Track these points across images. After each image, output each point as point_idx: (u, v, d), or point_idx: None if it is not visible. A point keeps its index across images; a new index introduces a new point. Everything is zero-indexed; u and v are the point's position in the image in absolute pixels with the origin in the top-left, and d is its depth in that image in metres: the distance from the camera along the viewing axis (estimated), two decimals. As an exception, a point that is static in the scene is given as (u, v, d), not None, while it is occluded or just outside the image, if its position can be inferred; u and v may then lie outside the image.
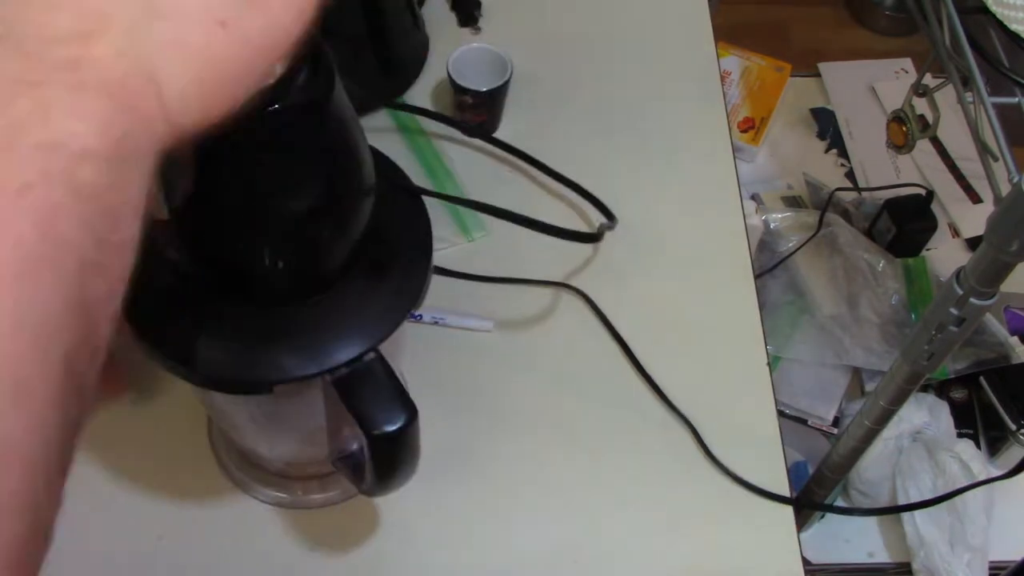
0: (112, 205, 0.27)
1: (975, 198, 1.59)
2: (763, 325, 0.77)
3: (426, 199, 0.54)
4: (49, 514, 0.26)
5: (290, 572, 0.64)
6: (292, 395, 0.52)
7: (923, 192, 1.46)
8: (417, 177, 0.57)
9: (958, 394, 1.41)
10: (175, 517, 0.65)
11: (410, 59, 0.90)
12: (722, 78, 0.93)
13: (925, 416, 1.30)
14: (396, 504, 0.66)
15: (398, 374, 0.50)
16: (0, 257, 0.24)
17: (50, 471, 0.25)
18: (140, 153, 0.29)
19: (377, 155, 0.49)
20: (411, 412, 0.47)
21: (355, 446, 0.58)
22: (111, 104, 0.28)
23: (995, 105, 0.67)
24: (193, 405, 0.69)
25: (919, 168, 1.62)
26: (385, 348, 0.48)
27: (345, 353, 0.46)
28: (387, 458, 0.50)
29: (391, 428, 0.47)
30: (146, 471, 0.67)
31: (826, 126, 1.69)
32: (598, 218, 0.81)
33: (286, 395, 0.52)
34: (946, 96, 0.80)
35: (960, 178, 1.61)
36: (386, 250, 0.49)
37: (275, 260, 0.44)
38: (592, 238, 0.71)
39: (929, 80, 0.83)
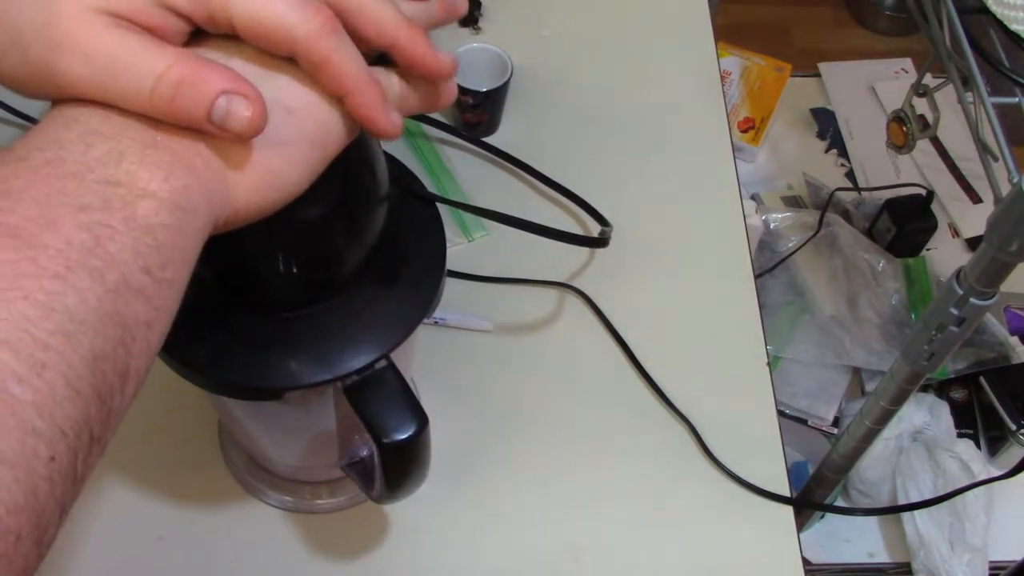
0: (165, 243, 0.29)
1: (975, 198, 1.59)
2: (763, 325, 0.77)
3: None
4: (46, 513, 0.26)
5: (299, 571, 0.64)
6: (302, 401, 0.52)
7: (923, 192, 1.47)
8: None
9: (958, 394, 1.41)
10: (179, 518, 0.65)
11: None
12: (722, 78, 0.93)
13: (925, 416, 1.30)
14: (399, 504, 0.66)
15: (409, 380, 0.50)
16: (50, 252, 0.27)
17: (55, 463, 0.26)
18: (197, 209, 0.31)
19: (392, 161, 0.48)
20: (422, 420, 0.47)
21: (365, 452, 0.58)
22: (175, 160, 0.30)
23: (995, 105, 0.67)
24: (203, 407, 0.69)
25: (919, 168, 1.62)
26: (396, 354, 0.48)
27: (356, 360, 0.46)
28: (397, 466, 0.50)
29: (402, 436, 0.46)
30: (152, 471, 0.67)
31: (826, 126, 1.69)
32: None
33: (296, 401, 0.52)
34: (946, 96, 0.80)
35: (960, 178, 1.61)
36: (399, 257, 0.49)
37: (287, 266, 0.44)
38: (597, 243, 0.71)
39: (929, 80, 0.83)
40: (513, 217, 0.61)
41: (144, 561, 0.63)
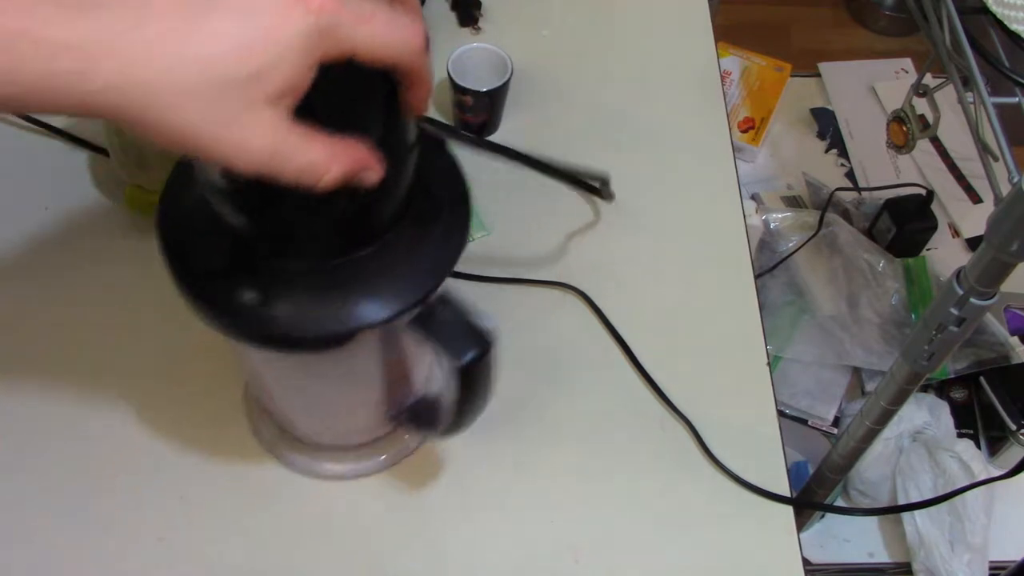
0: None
1: (975, 198, 1.59)
2: (763, 325, 0.77)
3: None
4: None
5: (307, 540, 0.64)
6: (343, 357, 0.53)
7: (923, 192, 1.47)
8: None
9: (958, 394, 1.41)
10: (199, 477, 0.66)
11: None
12: (722, 78, 0.93)
13: (925, 416, 1.30)
14: (398, 502, 0.67)
15: (423, 372, 0.51)
16: None
17: None
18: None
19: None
20: (490, 336, 0.50)
21: (413, 400, 0.62)
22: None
23: (995, 105, 0.67)
24: (230, 370, 0.70)
25: (919, 168, 1.62)
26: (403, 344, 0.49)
27: (416, 292, 0.48)
28: (472, 385, 0.52)
29: (475, 354, 0.49)
30: (176, 430, 0.68)
31: (826, 126, 1.69)
32: (600, 209, 0.81)
33: (339, 357, 0.53)
34: (946, 96, 0.80)
35: (960, 178, 1.61)
36: (428, 195, 0.50)
37: (343, 210, 0.45)
38: (601, 194, 0.76)
39: (929, 80, 0.83)
40: (525, 155, 0.63)
41: (171, 525, 0.64)
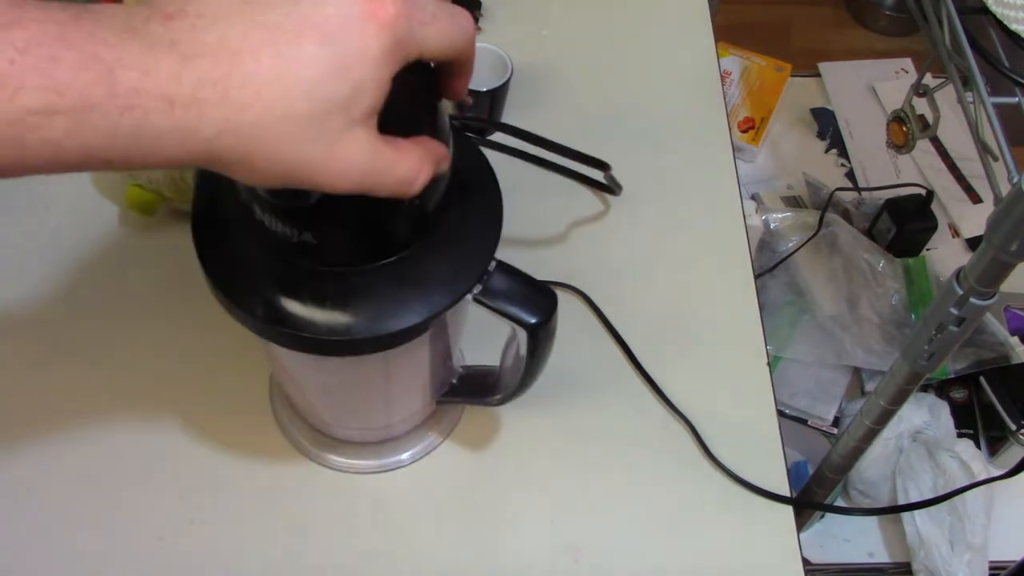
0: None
1: (975, 198, 1.59)
2: (763, 325, 0.77)
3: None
4: None
5: (315, 530, 0.64)
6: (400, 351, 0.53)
7: (923, 192, 1.47)
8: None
9: (958, 394, 1.41)
10: (209, 474, 0.66)
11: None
12: (722, 78, 0.93)
13: (925, 416, 1.30)
14: (398, 502, 0.67)
15: (458, 351, 0.54)
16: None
17: None
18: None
19: None
20: (552, 295, 0.51)
21: (456, 378, 0.65)
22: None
23: (995, 105, 0.67)
24: (232, 368, 0.71)
25: (919, 168, 1.62)
26: (451, 324, 0.51)
27: (476, 270, 0.49)
28: (540, 346, 0.53)
29: (543, 315, 0.51)
30: (177, 429, 0.68)
31: (826, 126, 1.69)
32: (599, 209, 0.81)
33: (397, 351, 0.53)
34: (946, 96, 0.80)
35: (960, 178, 1.61)
36: (458, 177, 0.50)
37: (411, 205, 0.45)
38: (606, 188, 0.78)
39: (929, 80, 0.83)
40: (533, 156, 0.65)
41: (171, 525, 0.64)
